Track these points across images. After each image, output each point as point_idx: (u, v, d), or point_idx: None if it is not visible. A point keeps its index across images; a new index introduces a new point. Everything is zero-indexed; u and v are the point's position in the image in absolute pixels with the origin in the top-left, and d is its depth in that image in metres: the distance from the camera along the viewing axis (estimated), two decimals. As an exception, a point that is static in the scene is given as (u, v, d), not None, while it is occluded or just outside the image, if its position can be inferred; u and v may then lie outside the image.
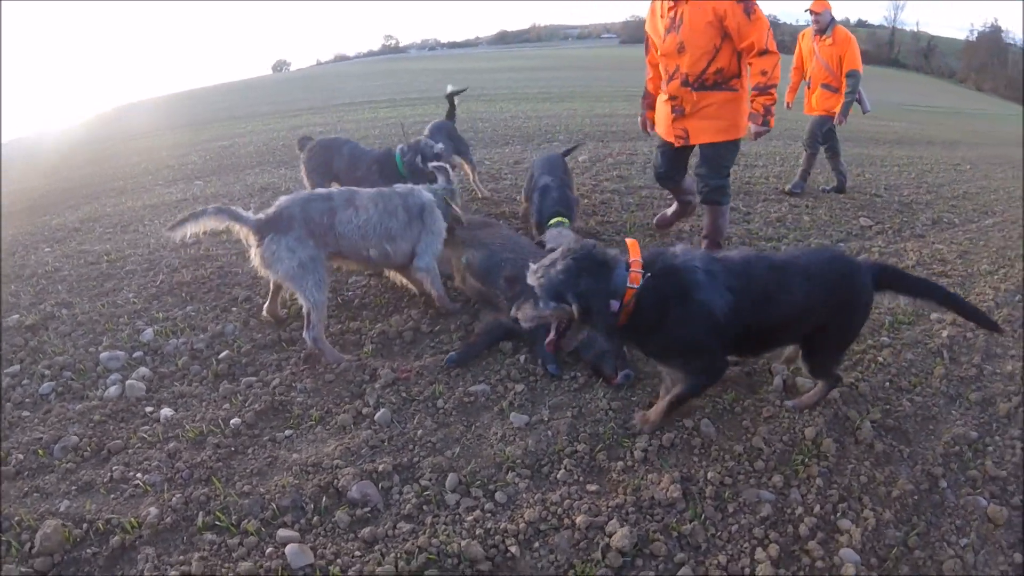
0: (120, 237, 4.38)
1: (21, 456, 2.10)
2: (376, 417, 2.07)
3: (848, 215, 4.61)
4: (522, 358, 2.45)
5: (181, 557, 1.62)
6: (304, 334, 2.40)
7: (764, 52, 2.86)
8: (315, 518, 1.70)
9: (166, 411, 2.25)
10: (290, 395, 2.24)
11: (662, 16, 3.02)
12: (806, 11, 5.02)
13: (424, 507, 1.74)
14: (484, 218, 3.38)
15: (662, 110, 3.23)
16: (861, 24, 64.28)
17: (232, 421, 2.11)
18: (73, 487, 1.94)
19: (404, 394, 2.21)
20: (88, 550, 1.69)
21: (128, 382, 2.43)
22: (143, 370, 2.53)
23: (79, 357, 2.70)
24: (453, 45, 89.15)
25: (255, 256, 2.33)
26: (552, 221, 3.11)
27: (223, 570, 1.55)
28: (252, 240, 2.31)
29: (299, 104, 14.82)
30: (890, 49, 56.73)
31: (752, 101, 2.98)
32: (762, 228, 4.17)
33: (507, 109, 10.87)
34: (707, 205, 3.29)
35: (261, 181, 5.71)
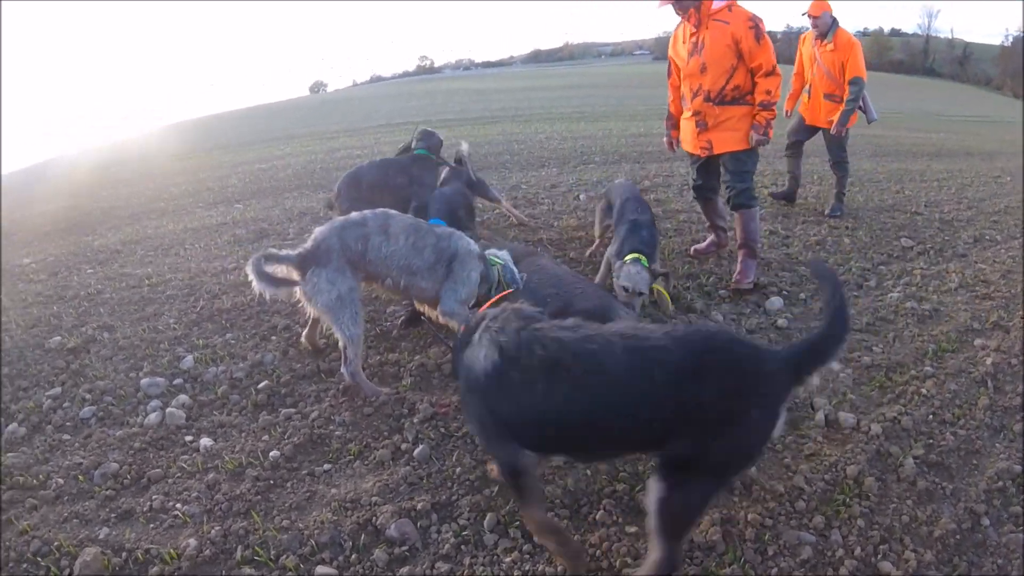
0: (161, 260, 4.60)
1: (61, 480, 2.19)
2: (415, 453, 2.10)
3: (889, 235, 4.55)
4: None
5: (222, 591, 1.66)
6: (342, 369, 2.46)
7: (770, 73, 3.31)
8: (353, 555, 1.72)
9: (205, 440, 2.32)
10: (328, 428, 2.29)
11: (684, 41, 3.49)
12: (804, 14, 4.85)
13: (462, 547, 1.75)
14: (523, 247, 3.43)
15: (687, 127, 3.64)
16: (895, 33, 64.41)
17: (271, 453, 2.16)
18: (113, 515, 2.02)
19: (443, 429, 2.23)
20: (126, 578, 1.74)
21: (168, 410, 2.53)
22: (183, 397, 2.62)
23: (120, 382, 2.82)
24: (487, 64, 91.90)
25: (299, 290, 2.41)
26: (629, 257, 3.05)
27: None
28: (296, 275, 2.39)
29: (336, 126, 15.40)
30: (925, 58, 56.63)
31: (756, 115, 3.39)
32: (801, 252, 4.13)
33: (542, 130, 11.10)
34: (736, 211, 3.58)
35: (300, 206, 5.93)
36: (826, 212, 5.06)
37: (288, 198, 6.39)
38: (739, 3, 3.35)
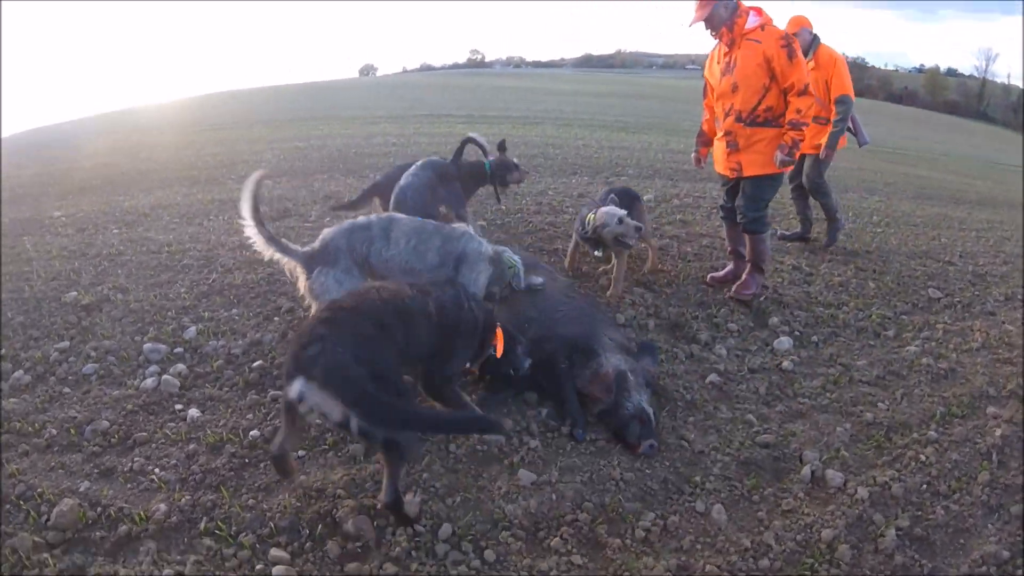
0: (183, 229, 4.83)
1: (54, 431, 2.37)
2: None
3: (917, 284, 4.44)
4: (544, 411, 2.56)
5: (179, 557, 1.79)
6: None
7: (803, 92, 3.35)
8: (308, 543, 1.82)
9: (194, 411, 2.47)
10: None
11: (718, 61, 3.61)
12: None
13: (413, 552, 1.82)
14: (527, 258, 3.48)
15: (718, 148, 3.73)
16: (951, 72, 63.55)
17: (251, 432, 2.29)
18: (96, 470, 2.18)
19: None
20: (97, 533, 1.89)
21: (164, 376, 2.69)
22: (180, 367, 2.79)
23: (124, 344, 3.00)
24: (538, 64, 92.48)
25: (303, 287, 2.55)
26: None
27: (215, 580, 1.69)
28: (300, 272, 2.53)
29: (380, 111, 15.78)
30: (979, 101, 55.47)
31: (784, 135, 3.42)
32: (822, 292, 4.08)
33: (581, 136, 11.18)
34: (747, 235, 3.75)
35: (327, 188, 6.13)
36: (824, 244, 4.99)
37: (317, 180, 6.61)
38: (773, 23, 3.44)
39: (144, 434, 2.35)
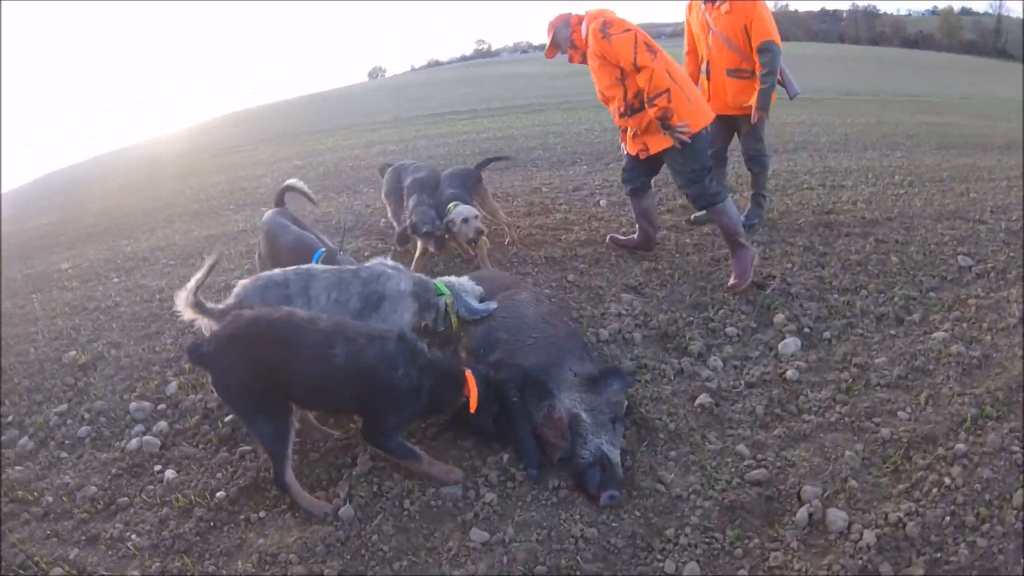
0: (177, 271, 5.17)
1: (50, 499, 2.66)
2: (340, 512, 2.33)
3: (945, 252, 4.25)
4: (506, 456, 2.55)
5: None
6: None
7: (635, 70, 3.58)
8: (259, 613, 2.00)
9: (170, 472, 2.71)
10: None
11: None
12: None
13: None
14: (505, 277, 3.58)
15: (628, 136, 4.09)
16: (965, 12, 62.57)
17: (218, 494, 2.50)
18: (83, 537, 2.44)
19: (376, 487, 2.45)
20: (83, 602, 2.13)
21: (145, 437, 2.95)
22: (162, 424, 3.05)
23: (114, 404, 3.30)
24: (543, 47, 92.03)
25: None
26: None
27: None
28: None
29: (384, 116, 16.15)
30: (997, 38, 54.68)
31: (650, 115, 3.68)
32: (837, 275, 3.97)
33: (584, 120, 11.19)
34: (706, 211, 3.98)
35: (318, 211, 6.38)
36: (743, 219, 4.55)
37: (309, 204, 6.85)
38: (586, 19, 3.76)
39: (126, 499, 2.60)
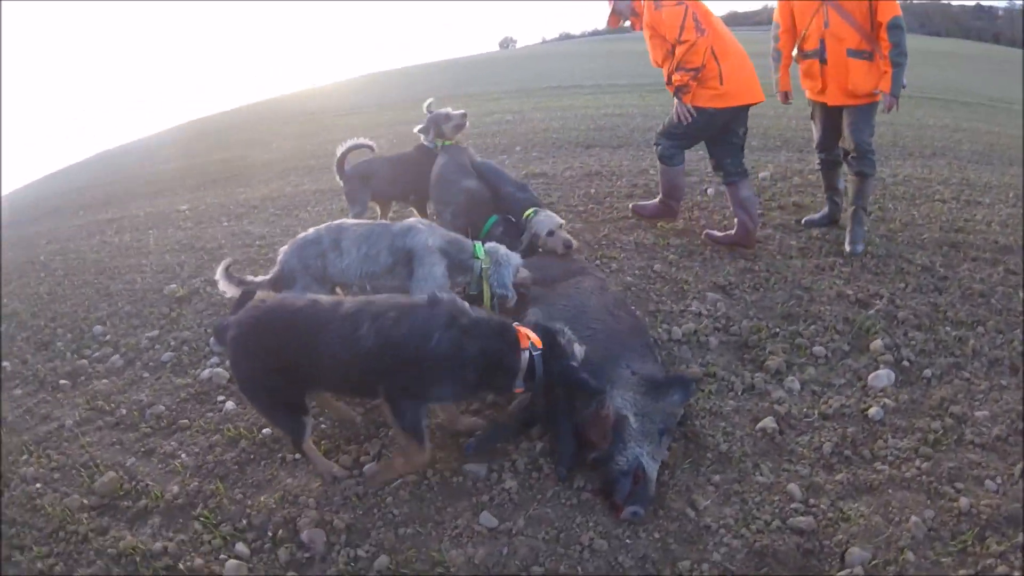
0: (281, 221, 5.60)
1: (124, 411, 3.02)
2: (364, 469, 2.43)
3: None
4: (540, 445, 2.51)
5: (171, 534, 2.23)
6: None
7: (679, 42, 3.76)
8: (267, 544, 2.14)
9: (230, 404, 2.97)
10: (317, 420, 2.76)
11: None
12: None
13: (346, 575, 2.03)
14: (573, 263, 3.47)
15: None
16: None
17: (264, 431, 2.70)
18: (142, 449, 2.74)
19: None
20: (124, 503, 2.43)
21: (217, 369, 3.23)
22: (233, 361, 3.33)
23: (199, 335, 3.65)
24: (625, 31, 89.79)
25: None
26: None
27: (187, 558, 2.11)
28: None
29: (508, 85, 16.39)
30: None
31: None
32: (955, 304, 3.54)
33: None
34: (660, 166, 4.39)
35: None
36: (846, 248, 4.12)
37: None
38: None
39: (186, 421, 2.89)
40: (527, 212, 3.72)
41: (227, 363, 3.28)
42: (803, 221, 4.61)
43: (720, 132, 4.04)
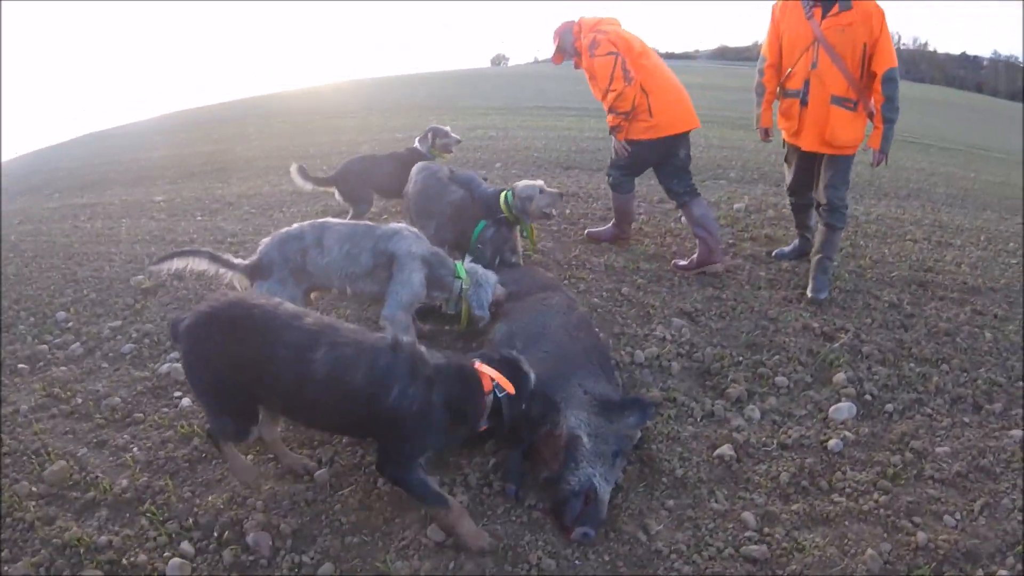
0: (255, 220, 5.57)
1: (79, 400, 2.97)
2: (316, 475, 2.40)
3: None
4: (491, 461, 2.49)
5: (117, 528, 2.19)
6: None
7: (608, 91, 4.04)
8: (212, 545, 2.11)
9: (186, 401, 2.92)
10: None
11: None
12: None
13: None
14: (544, 278, 3.51)
15: None
16: None
17: (219, 428, 2.67)
18: (94, 440, 2.69)
19: (357, 458, 2.50)
20: (73, 493, 2.38)
21: (176, 365, 3.18)
22: (194, 355, 3.29)
23: (161, 329, 3.60)
24: (671, 55, 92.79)
25: None
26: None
27: (131, 553, 2.08)
28: (245, 284, 2.85)
29: (496, 102, 16.53)
30: None
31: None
32: (920, 342, 3.60)
33: (693, 133, 10.85)
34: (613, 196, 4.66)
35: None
36: (808, 293, 4.00)
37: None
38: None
39: (141, 415, 2.84)
40: (503, 192, 3.86)
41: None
42: (773, 253, 4.65)
43: (662, 158, 4.28)
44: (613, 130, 4.27)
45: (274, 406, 2.22)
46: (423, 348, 2.17)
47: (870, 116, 3.80)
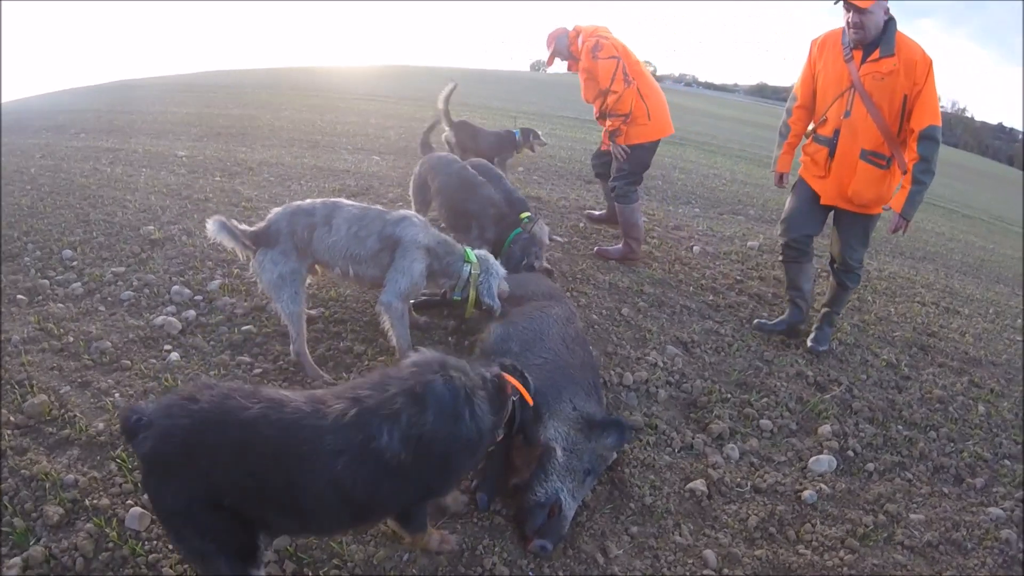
0: (272, 188, 5.61)
1: (71, 339, 3.00)
2: None
3: None
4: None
5: (86, 469, 2.22)
6: (290, 346, 2.92)
7: (605, 93, 4.37)
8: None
9: (174, 355, 2.95)
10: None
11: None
12: (836, 2, 3.26)
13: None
14: (555, 288, 3.47)
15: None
16: None
17: (202, 387, 2.69)
18: (79, 380, 2.72)
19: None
20: (48, 428, 2.42)
21: (171, 318, 3.22)
22: (190, 313, 3.32)
23: (162, 281, 3.64)
24: (710, 86, 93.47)
25: (252, 264, 2.86)
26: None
27: (96, 496, 2.11)
28: (250, 249, 2.82)
29: (528, 106, 16.61)
30: None
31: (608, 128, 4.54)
32: (911, 405, 3.57)
33: (718, 165, 11.04)
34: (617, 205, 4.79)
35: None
36: (808, 343, 3.89)
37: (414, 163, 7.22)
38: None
39: (128, 362, 2.87)
40: (523, 214, 3.91)
41: (182, 314, 3.28)
42: (755, 323, 4.15)
43: (650, 160, 4.68)
44: (613, 135, 4.49)
45: (291, 531, 1.85)
46: (452, 359, 1.92)
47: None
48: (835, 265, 3.78)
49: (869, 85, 3.30)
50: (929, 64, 3.19)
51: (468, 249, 3.00)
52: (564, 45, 4.59)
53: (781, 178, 3.86)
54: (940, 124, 3.20)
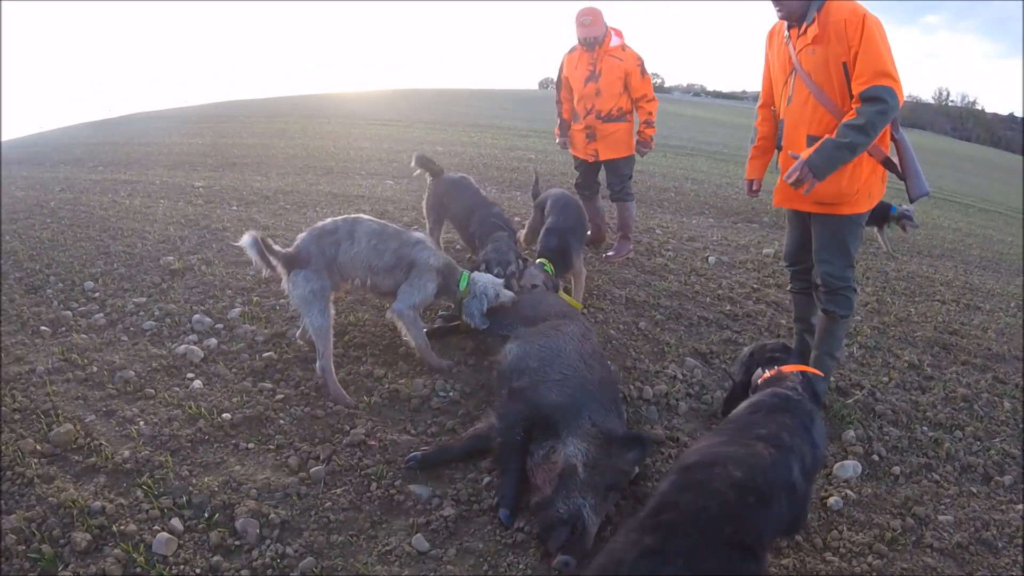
0: (288, 216, 5.70)
1: (95, 369, 3.06)
2: (311, 471, 2.43)
3: None
4: (486, 479, 2.48)
5: (112, 496, 2.25)
6: (316, 363, 2.96)
7: (651, 99, 4.91)
8: (201, 525, 2.15)
9: (197, 383, 2.99)
10: (279, 414, 2.78)
11: (577, 67, 4.88)
12: None
13: (269, 571, 2.02)
14: (570, 307, 3.47)
15: (578, 137, 5.07)
16: None
17: (224, 415, 2.71)
18: (103, 409, 2.76)
19: (355, 459, 2.53)
20: (75, 456, 2.45)
21: (193, 347, 3.27)
22: (212, 341, 3.37)
23: (183, 310, 3.70)
24: (718, 95, 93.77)
25: (284, 283, 3.06)
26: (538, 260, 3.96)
27: (122, 522, 2.13)
28: (282, 270, 3.03)
29: (538, 125, 16.76)
30: None
31: (640, 132, 4.98)
32: (936, 405, 3.50)
33: (730, 173, 11.06)
34: (617, 202, 5.17)
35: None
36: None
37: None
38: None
39: (152, 390, 2.91)
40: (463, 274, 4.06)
41: (203, 342, 3.33)
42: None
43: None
44: (651, 139, 5.02)
45: None
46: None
47: (886, 163, 2.92)
48: (818, 291, 3.14)
49: (806, 63, 2.82)
50: (861, 19, 2.63)
51: (465, 273, 3.29)
52: (603, 33, 4.74)
53: (751, 185, 3.49)
54: (891, 85, 2.59)
